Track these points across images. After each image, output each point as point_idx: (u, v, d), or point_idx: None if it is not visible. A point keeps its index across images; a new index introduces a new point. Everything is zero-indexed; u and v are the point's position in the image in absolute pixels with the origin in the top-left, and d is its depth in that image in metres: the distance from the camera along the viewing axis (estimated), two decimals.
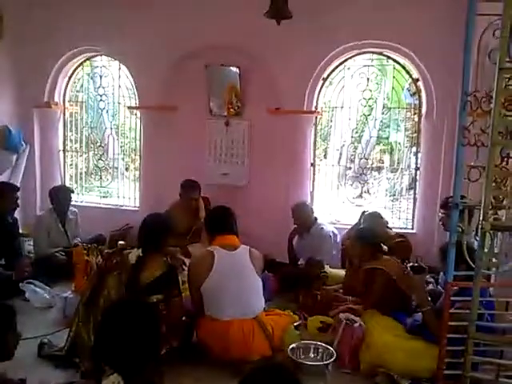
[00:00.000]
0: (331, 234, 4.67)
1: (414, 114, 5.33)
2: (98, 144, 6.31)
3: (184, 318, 3.24)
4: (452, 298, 2.72)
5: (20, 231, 4.81)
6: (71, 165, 6.33)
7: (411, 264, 3.67)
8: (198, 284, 3.16)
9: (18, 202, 4.52)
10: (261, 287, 3.26)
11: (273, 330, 3.15)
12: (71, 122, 6.24)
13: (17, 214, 4.71)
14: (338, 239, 4.72)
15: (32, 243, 4.95)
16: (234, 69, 5.19)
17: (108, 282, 3.07)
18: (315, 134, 5.38)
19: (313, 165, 5.35)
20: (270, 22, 4.03)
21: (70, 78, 6.11)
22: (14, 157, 5.69)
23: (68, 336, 3.14)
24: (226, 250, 3.21)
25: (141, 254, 3.08)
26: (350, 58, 5.18)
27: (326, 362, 2.97)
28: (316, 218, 4.74)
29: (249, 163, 5.38)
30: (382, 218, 4.51)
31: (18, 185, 5.29)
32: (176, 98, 5.47)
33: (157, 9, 5.25)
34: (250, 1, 4.49)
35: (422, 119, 5.00)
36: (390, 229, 4.58)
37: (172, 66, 5.43)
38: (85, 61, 6.08)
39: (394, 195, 5.80)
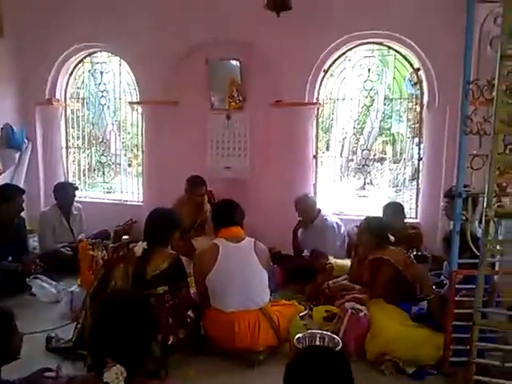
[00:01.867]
0: (335, 225, 4.69)
1: (416, 104, 5.31)
2: (100, 140, 6.33)
3: (190, 312, 3.26)
4: (457, 286, 2.73)
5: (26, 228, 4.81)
6: (74, 161, 6.35)
7: (415, 253, 3.69)
8: (203, 276, 3.19)
9: (23, 205, 4.42)
10: (266, 279, 3.27)
11: (278, 320, 3.18)
12: (73, 118, 6.25)
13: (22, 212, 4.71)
14: (342, 230, 4.74)
15: (37, 239, 4.98)
16: (235, 62, 5.20)
17: (115, 274, 3.10)
18: (317, 126, 5.37)
19: (315, 157, 5.35)
20: (270, 14, 4.03)
21: (70, 74, 6.12)
22: (17, 154, 5.71)
23: (75, 328, 3.19)
24: (231, 242, 3.23)
25: (146, 247, 3.10)
26: (351, 49, 5.16)
27: None
28: (319, 210, 4.75)
29: (251, 156, 5.39)
30: (401, 209, 4.45)
31: (22, 182, 5.33)
32: (177, 93, 5.47)
33: (156, 4, 5.24)
34: None
35: (424, 109, 4.99)
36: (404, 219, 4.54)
37: (172, 61, 5.43)
38: (85, 57, 6.08)
39: (397, 186, 5.80)
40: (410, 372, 2.95)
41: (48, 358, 3.15)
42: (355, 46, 5.15)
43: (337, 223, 4.73)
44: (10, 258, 4.30)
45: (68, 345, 3.18)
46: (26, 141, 5.83)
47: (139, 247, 3.12)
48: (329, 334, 3.14)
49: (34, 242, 5.03)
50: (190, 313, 3.25)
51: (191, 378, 2.91)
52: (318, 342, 3.10)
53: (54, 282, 4.22)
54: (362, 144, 5.56)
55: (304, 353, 1.52)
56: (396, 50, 5.10)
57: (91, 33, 5.57)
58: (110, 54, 5.97)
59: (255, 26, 4.85)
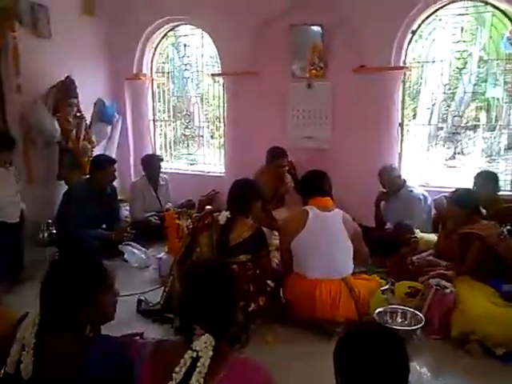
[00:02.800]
0: (421, 197, 4.47)
1: None
2: (184, 113, 6.51)
3: (270, 281, 3.30)
4: None
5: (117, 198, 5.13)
6: (160, 134, 6.62)
7: (509, 228, 3.42)
8: (289, 239, 3.23)
9: (115, 173, 4.70)
10: (351, 251, 3.25)
11: (359, 293, 3.14)
12: (159, 92, 6.48)
13: (114, 182, 5.02)
14: (429, 202, 4.51)
15: (128, 208, 5.31)
16: (317, 28, 5.02)
17: (200, 241, 3.23)
18: (403, 92, 5.08)
19: (401, 125, 5.10)
20: None
21: (155, 49, 6.31)
22: (109, 128, 6.03)
23: (163, 292, 3.38)
24: (320, 210, 3.24)
25: (229, 216, 3.18)
26: (442, 7, 4.77)
27: (414, 327, 2.89)
28: (404, 181, 4.56)
29: (333, 125, 5.25)
30: (495, 180, 4.13)
31: (114, 154, 5.64)
32: (258, 63, 5.43)
33: None
34: None
35: None
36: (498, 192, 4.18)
37: (254, 30, 5.37)
38: (169, 31, 6.23)
39: (491, 156, 5.35)
40: (500, 354, 2.77)
41: (138, 319, 3.37)
42: (447, 4, 4.74)
43: (423, 195, 4.51)
44: (104, 226, 4.63)
45: (156, 308, 3.39)
46: (117, 115, 6.15)
47: (222, 216, 3.21)
48: (411, 310, 3.06)
49: (125, 210, 5.37)
50: (269, 282, 3.32)
51: (269, 344, 2.99)
52: (399, 318, 3.05)
53: (143, 249, 4.50)
54: (452, 110, 5.18)
55: (358, 327, 1.46)
56: (494, 6, 4.63)
57: (175, 6, 5.66)
58: (192, 27, 6.05)
59: None
